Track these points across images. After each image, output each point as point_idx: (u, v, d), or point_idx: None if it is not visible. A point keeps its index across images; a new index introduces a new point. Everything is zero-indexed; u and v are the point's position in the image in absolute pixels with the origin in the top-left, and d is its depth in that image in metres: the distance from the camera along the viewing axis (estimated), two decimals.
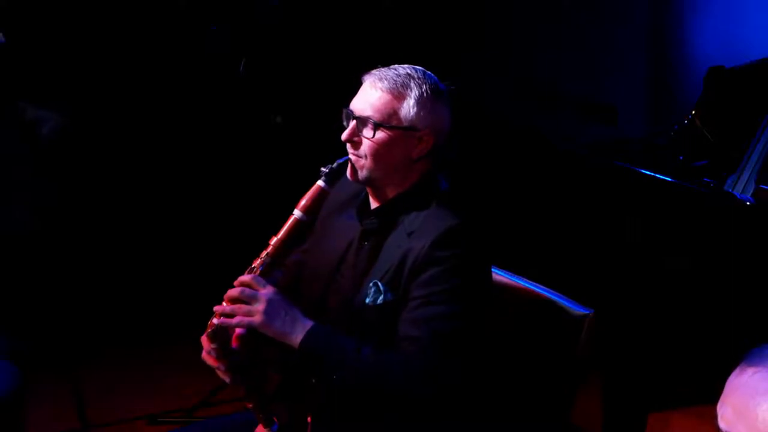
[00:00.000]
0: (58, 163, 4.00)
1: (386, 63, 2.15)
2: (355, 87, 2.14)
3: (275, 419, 2.12)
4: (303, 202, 2.08)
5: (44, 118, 3.35)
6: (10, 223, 3.80)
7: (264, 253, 2.07)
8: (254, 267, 2.06)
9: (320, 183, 2.09)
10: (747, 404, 1.25)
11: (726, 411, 1.28)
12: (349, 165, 2.11)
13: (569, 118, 4.94)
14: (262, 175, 4.61)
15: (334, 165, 2.11)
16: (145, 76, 4.61)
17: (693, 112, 3.42)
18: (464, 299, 2.01)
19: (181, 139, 4.70)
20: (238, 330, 2.09)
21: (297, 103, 4.49)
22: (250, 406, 2.12)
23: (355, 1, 5.01)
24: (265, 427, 2.12)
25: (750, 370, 1.27)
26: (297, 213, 2.08)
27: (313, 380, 2.11)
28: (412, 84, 2.08)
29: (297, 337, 1.99)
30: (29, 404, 2.72)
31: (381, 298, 2.06)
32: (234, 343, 2.09)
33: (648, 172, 3.12)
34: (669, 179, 3.07)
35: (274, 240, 2.08)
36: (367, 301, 2.07)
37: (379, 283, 2.06)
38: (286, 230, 2.08)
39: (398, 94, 2.08)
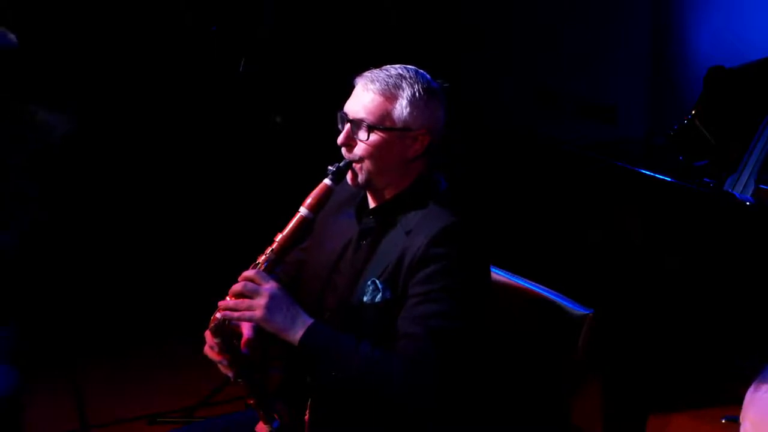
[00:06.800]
0: (65, 164, 4.00)
1: (387, 63, 2.15)
2: (353, 87, 2.14)
3: (276, 416, 2.12)
4: (309, 200, 2.07)
5: (55, 122, 3.35)
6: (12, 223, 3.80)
7: (269, 250, 2.06)
8: (259, 263, 2.06)
9: (327, 181, 2.08)
10: (763, 418, 1.24)
11: (746, 425, 1.27)
12: (350, 171, 2.11)
13: (569, 118, 4.94)
14: (262, 174, 4.61)
15: (341, 164, 2.10)
16: (145, 76, 4.61)
17: (693, 112, 3.42)
18: (462, 297, 2.01)
19: (181, 139, 4.71)
20: (244, 327, 2.09)
21: (297, 103, 4.49)
22: (252, 402, 2.12)
23: (356, 0, 5.01)
24: (265, 424, 2.12)
25: (766, 386, 1.27)
26: (303, 211, 2.07)
27: (309, 379, 2.12)
28: (404, 84, 2.08)
29: (297, 334, 1.99)
30: (29, 404, 2.71)
31: (379, 296, 2.06)
32: (241, 343, 2.09)
33: (648, 172, 3.11)
34: (669, 179, 3.07)
35: (279, 237, 2.07)
36: (365, 299, 2.07)
37: (377, 281, 2.07)
38: (291, 227, 2.06)
39: (390, 95, 2.07)
